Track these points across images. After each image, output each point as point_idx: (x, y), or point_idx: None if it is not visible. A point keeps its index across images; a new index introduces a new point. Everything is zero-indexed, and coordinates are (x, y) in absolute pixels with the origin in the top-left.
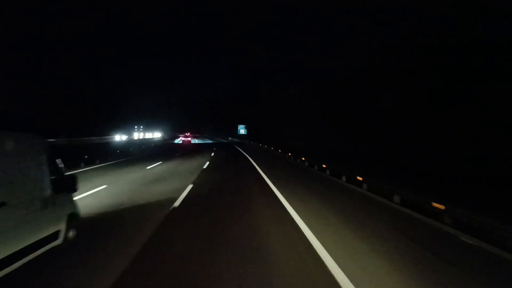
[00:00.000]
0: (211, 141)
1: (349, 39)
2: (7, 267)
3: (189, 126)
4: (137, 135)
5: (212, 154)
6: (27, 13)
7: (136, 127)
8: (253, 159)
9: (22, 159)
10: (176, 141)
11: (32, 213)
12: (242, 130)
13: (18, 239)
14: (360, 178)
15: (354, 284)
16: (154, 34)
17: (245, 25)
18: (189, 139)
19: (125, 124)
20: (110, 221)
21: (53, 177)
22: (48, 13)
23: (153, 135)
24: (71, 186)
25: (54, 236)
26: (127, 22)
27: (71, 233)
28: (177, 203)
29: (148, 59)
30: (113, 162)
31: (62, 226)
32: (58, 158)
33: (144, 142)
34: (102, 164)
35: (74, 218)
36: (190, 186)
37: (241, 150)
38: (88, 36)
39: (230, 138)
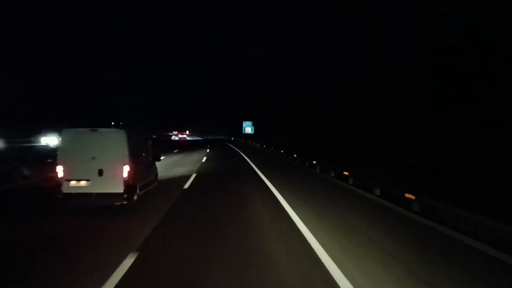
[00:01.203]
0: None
1: (349, 39)
2: (142, 191)
3: (185, 125)
4: None
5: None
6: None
7: (113, 124)
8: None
9: (144, 143)
10: (173, 138)
11: (149, 169)
12: (248, 128)
13: (146, 177)
14: (410, 196)
15: None
16: (152, 34)
17: (245, 25)
18: (185, 136)
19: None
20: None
21: None
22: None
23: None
24: (158, 157)
25: (152, 183)
26: (125, 22)
27: (156, 183)
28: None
29: (145, 58)
30: None
31: (154, 178)
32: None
33: None
34: None
35: (157, 176)
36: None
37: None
38: (83, 36)
39: (233, 138)
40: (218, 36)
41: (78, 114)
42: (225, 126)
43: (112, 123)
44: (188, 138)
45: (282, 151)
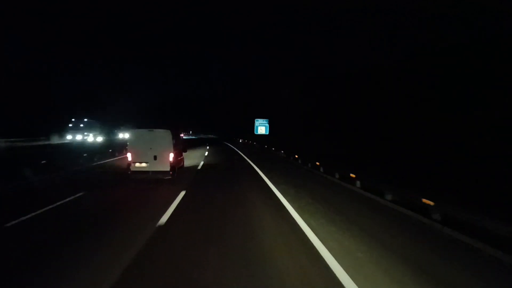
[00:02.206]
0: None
1: (349, 39)
2: (179, 169)
3: (185, 125)
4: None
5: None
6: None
7: (72, 122)
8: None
9: (179, 137)
10: None
11: (181, 156)
12: (261, 128)
13: (180, 162)
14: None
15: None
16: (152, 34)
17: (245, 25)
18: (182, 135)
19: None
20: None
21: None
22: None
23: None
24: (185, 150)
25: (181, 166)
26: (125, 22)
27: (183, 167)
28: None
29: (145, 58)
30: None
31: (183, 163)
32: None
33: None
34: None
35: (183, 161)
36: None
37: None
38: (83, 36)
39: (240, 140)
40: (218, 36)
41: (74, 112)
42: (233, 126)
43: (73, 121)
44: (184, 137)
45: (354, 176)
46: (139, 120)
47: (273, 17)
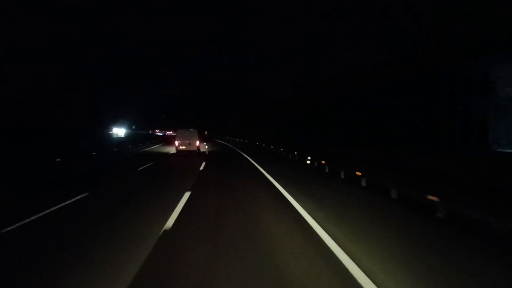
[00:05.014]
0: None
1: (350, 39)
2: (199, 151)
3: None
4: None
5: None
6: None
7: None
8: None
9: (199, 133)
10: (158, 133)
11: (200, 143)
12: None
13: (200, 147)
14: None
15: None
16: (152, 34)
17: (245, 25)
18: (171, 133)
19: None
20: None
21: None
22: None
23: None
24: (202, 140)
25: (200, 149)
26: (125, 22)
27: (200, 150)
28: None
29: (145, 58)
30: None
31: (201, 148)
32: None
33: None
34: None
35: (201, 147)
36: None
37: None
38: (83, 35)
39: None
40: (218, 36)
41: (72, 112)
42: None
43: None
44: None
45: None
46: (136, 120)
47: (273, 17)
